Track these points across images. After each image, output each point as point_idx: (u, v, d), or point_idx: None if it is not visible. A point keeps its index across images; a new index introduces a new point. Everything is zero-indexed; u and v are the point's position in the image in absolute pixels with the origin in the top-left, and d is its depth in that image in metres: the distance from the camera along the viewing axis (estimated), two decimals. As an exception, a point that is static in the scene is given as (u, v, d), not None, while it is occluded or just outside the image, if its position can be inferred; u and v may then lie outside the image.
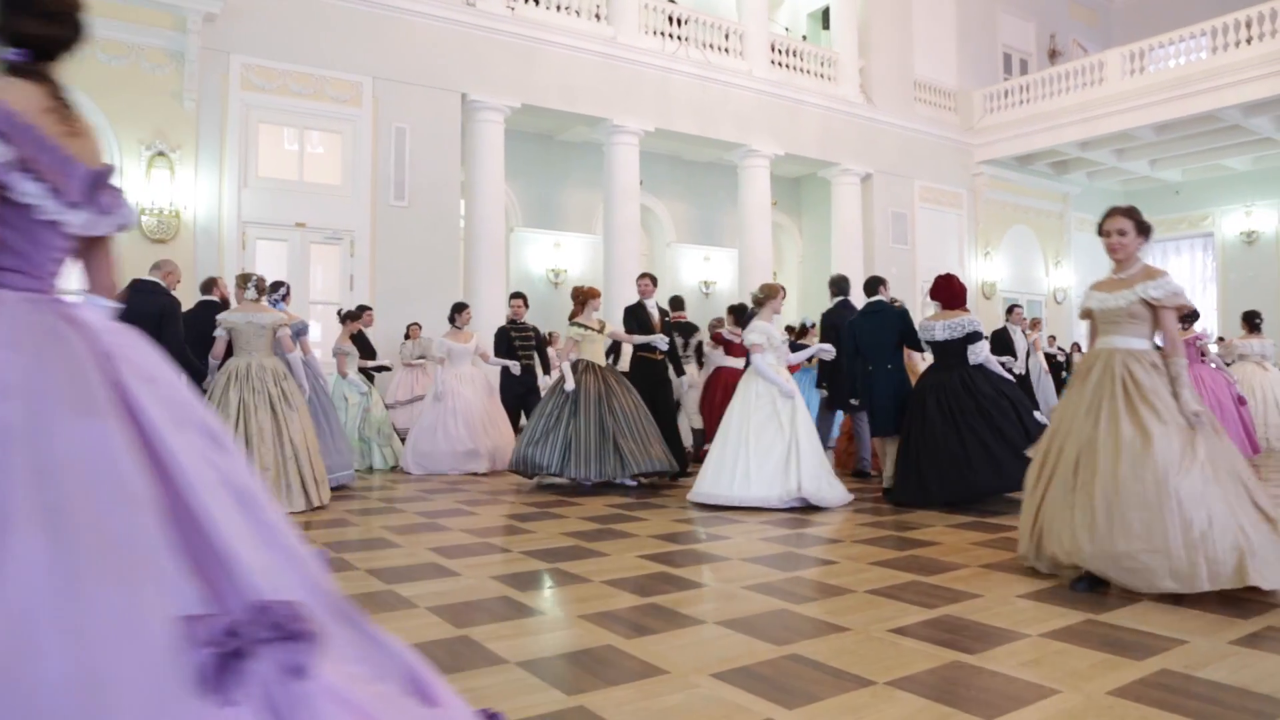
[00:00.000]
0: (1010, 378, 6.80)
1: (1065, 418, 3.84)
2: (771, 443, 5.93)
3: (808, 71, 15.81)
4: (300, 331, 7.01)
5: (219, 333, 6.03)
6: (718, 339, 9.27)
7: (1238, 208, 19.27)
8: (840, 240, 16.01)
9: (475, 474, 8.16)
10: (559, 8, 12.99)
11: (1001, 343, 9.77)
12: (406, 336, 10.79)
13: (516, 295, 9.46)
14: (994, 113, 17.94)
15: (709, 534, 5.05)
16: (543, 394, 8.04)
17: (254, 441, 5.57)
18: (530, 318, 10.08)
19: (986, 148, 18.01)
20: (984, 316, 18.20)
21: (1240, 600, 3.40)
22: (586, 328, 7.33)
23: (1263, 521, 3.43)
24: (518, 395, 9.06)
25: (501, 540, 4.89)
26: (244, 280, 6.10)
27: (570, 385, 7.11)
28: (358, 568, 4.13)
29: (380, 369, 9.85)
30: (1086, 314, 3.95)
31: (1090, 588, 3.59)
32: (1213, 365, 9.12)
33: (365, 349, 9.57)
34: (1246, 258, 19.17)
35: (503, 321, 10.65)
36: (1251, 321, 10.34)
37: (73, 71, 1.78)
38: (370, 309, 9.46)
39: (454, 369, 8.54)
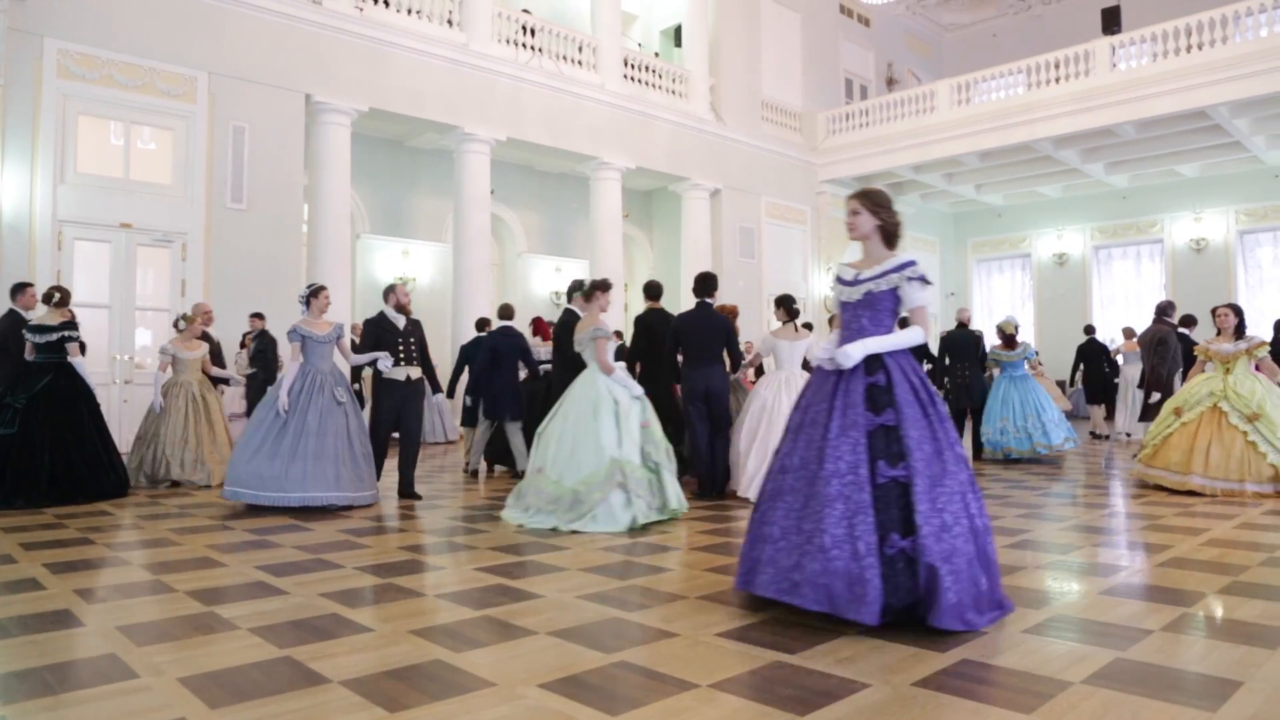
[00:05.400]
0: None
1: None
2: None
3: (660, 87, 16.13)
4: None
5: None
6: None
7: (1051, 231, 20.96)
8: (690, 253, 16.39)
9: None
10: (409, 11, 12.76)
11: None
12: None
13: None
14: (836, 134, 18.81)
15: (549, 545, 5.06)
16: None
17: None
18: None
19: (829, 167, 18.87)
20: (823, 329, 19.03)
21: (1033, 593, 3.70)
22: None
23: None
24: None
25: (334, 556, 4.73)
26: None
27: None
28: (176, 589, 3.91)
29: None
30: None
31: None
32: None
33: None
34: (1058, 276, 20.86)
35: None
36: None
37: None
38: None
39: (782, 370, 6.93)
